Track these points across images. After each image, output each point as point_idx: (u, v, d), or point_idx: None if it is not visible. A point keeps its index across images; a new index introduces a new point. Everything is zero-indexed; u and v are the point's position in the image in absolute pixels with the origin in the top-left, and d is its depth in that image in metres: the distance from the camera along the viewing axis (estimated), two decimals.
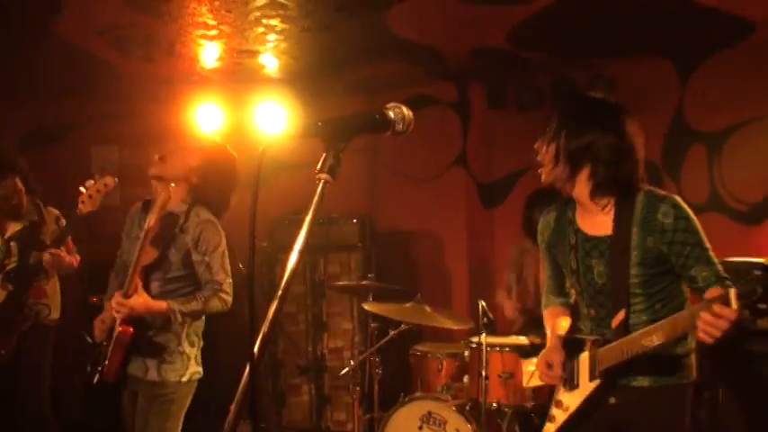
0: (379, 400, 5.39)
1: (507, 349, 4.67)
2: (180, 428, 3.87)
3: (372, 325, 5.47)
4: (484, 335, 4.44)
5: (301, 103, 6.83)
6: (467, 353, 4.86)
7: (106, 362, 3.77)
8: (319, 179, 1.65)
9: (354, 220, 6.80)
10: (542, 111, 6.77)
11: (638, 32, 5.75)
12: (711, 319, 2.49)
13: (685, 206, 2.84)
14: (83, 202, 4.25)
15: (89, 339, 3.96)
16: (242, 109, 7.01)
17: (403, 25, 5.47)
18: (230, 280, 3.85)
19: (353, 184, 7.45)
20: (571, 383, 3.03)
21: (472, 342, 4.73)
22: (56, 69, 6.36)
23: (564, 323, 3.25)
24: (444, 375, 5.07)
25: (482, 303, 4.48)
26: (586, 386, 2.96)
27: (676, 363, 2.92)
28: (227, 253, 3.88)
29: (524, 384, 4.57)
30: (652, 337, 2.71)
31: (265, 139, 1.70)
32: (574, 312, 3.31)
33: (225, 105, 6.99)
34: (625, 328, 2.87)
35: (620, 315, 2.89)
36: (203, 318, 3.94)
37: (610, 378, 2.91)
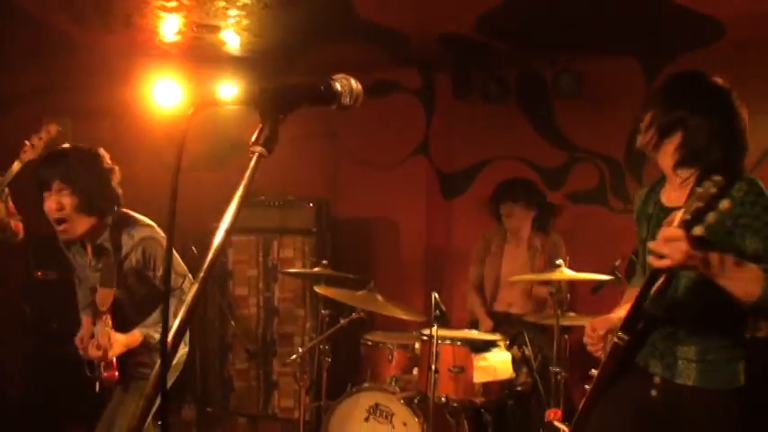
0: (328, 389, 5.28)
1: (459, 343, 4.58)
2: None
3: (323, 312, 5.35)
4: (435, 327, 4.33)
5: (262, 82, 6.68)
6: (417, 345, 4.76)
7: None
8: (253, 152, 1.50)
9: (311, 204, 6.67)
10: (507, 103, 6.71)
11: (607, 29, 5.69)
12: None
13: (762, 185, 2.72)
14: (25, 151, 4.22)
15: (30, 315, 3.93)
16: (201, 86, 6.85)
17: (369, 6, 5.35)
18: (189, 277, 3.77)
19: (312, 168, 7.33)
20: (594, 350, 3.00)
21: (423, 334, 4.63)
22: (10, 38, 6.16)
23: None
24: (395, 366, 4.96)
25: (435, 295, 4.38)
26: (605, 349, 2.92)
27: (728, 359, 2.80)
28: (176, 255, 3.87)
29: (474, 380, 4.49)
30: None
31: (199, 105, 1.52)
32: None
33: (184, 81, 6.83)
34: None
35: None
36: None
37: (658, 343, 2.84)
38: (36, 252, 6.45)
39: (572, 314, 4.88)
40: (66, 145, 3.75)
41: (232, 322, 6.69)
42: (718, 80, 2.92)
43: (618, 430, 2.95)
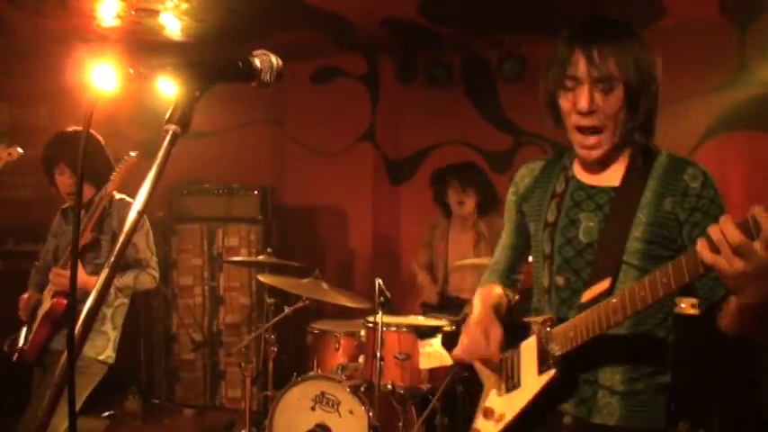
0: (274, 379, 5.22)
1: (404, 329, 4.53)
2: (81, 404, 3.90)
3: (269, 300, 5.27)
4: (380, 314, 4.28)
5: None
6: (363, 332, 4.71)
7: (30, 338, 3.87)
8: (167, 131, 1.41)
9: (255, 192, 6.59)
10: (452, 87, 6.68)
11: (548, 11, 5.67)
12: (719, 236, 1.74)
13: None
14: None
15: (6, 348, 4.01)
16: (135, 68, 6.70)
17: None
18: (156, 258, 4.07)
19: (257, 155, 7.25)
20: (508, 383, 2.32)
21: (368, 321, 4.57)
22: None
23: (496, 291, 2.59)
24: (342, 354, 4.91)
25: (379, 281, 4.32)
26: (534, 382, 2.22)
27: (653, 394, 2.24)
28: (150, 232, 4.08)
29: (420, 366, 4.45)
30: (634, 294, 1.96)
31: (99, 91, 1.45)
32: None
33: (120, 65, 6.67)
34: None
35: (603, 285, 2.18)
36: (126, 304, 4.12)
37: (568, 372, 2.19)
38: None
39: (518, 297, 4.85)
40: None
41: (176, 312, 6.59)
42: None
43: None
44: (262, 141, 7.26)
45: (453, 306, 5.51)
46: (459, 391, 4.80)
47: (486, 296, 2.55)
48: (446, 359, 4.57)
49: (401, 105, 7.05)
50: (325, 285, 4.82)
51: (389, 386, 4.45)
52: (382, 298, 4.26)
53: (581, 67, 2.16)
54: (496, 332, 2.34)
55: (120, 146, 7.34)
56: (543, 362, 2.21)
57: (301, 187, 7.21)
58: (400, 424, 4.49)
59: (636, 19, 5.54)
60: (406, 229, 7.03)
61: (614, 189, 2.28)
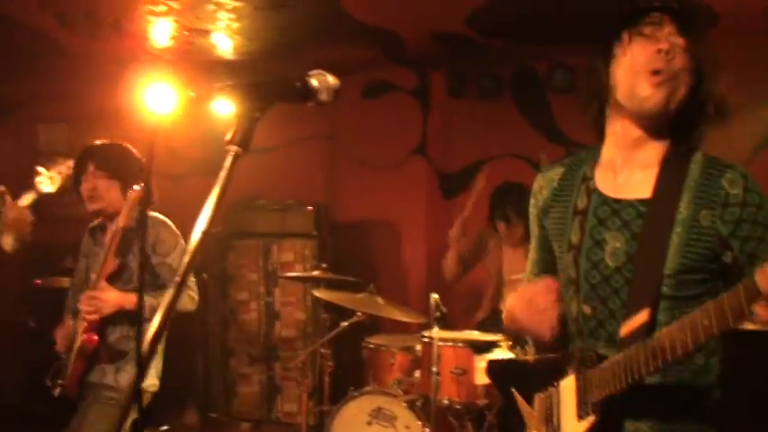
0: (330, 393, 5.24)
1: (460, 345, 4.52)
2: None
3: (324, 316, 5.32)
4: (436, 329, 4.28)
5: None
6: (419, 347, 4.70)
7: (68, 373, 3.75)
8: (228, 151, 1.44)
9: (310, 208, 6.64)
10: (502, 100, 6.67)
11: (596, 21, 5.62)
12: None
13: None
14: (41, 181, 4.06)
15: (32, 324, 3.93)
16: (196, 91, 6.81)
17: (360, 7, 5.31)
18: (194, 278, 3.90)
19: (310, 171, 7.30)
20: (548, 426, 2.14)
21: (424, 336, 4.57)
22: (2, 46, 6.12)
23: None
24: (397, 369, 4.90)
25: (434, 296, 4.32)
26: (574, 428, 2.05)
27: (702, 404, 2.05)
28: (187, 250, 3.76)
29: (477, 381, 4.43)
30: (674, 339, 1.78)
31: (163, 113, 1.49)
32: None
33: (178, 87, 6.78)
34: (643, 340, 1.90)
35: (641, 317, 1.96)
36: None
37: (609, 417, 1.99)
38: (36, 262, 6.42)
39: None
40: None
41: (233, 327, 6.67)
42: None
43: None
44: (314, 157, 7.31)
45: None
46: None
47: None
48: None
49: (452, 118, 7.04)
50: (380, 300, 4.83)
51: (446, 401, 4.43)
52: (438, 313, 4.26)
53: (663, 20, 2.05)
54: (552, 296, 2.15)
55: (176, 165, 7.51)
56: (582, 407, 2.03)
57: (354, 202, 7.24)
58: None
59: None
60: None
61: (644, 202, 2.05)
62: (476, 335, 4.84)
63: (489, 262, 5.75)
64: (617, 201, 2.09)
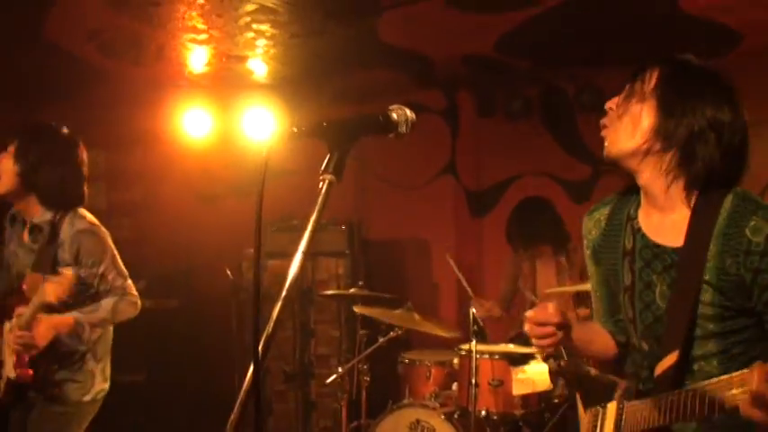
0: (367, 408, 5.36)
1: (497, 357, 4.66)
2: None
3: (361, 332, 5.44)
4: (474, 342, 4.42)
5: (289, 109, 6.81)
6: (456, 360, 4.84)
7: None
8: (323, 179, 1.63)
9: (343, 227, 6.78)
10: (530, 120, 6.80)
11: (625, 42, 5.77)
12: None
13: None
14: None
15: None
16: (230, 114, 6.99)
17: (392, 32, 5.49)
18: (130, 281, 3.62)
19: (342, 191, 7.30)
20: None
21: (462, 349, 4.71)
22: (43, 73, 6.33)
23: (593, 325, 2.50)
24: (432, 383, 5.03)
25: (473, 311, 4.47)
26: None
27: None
28: (116, 255, 3.60)
29: (514, 392, 4.56)
30: (711, 395, 1.84)
31: (263, 143, 1.65)
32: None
33: (213, 110, 6.98)
34: (674, 379, 2.05)
35: (671, 358, 2.07)
36: (111, 330, 3.74)
37: None
38: None
39: None
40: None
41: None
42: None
43: None
44: (346, 177, 7.41)
45: None
46: (547, 418, 4.89)
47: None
48: (539, 385, 4.68)
49: (481, 138, 7.19)
50: (416, 316, 4.96)
51: (483, 412, 4.56)
52: (476, 327, 4.39)
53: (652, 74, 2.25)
54: (556, 316, 2.20)
55: (210, 186, 7.69)
56: None
57: (385, 221, 7.38)
58: None
59: (712, 48, 5.64)
60: (488, 259, 7.13)
61: (676, 251, 2.12)
62: (512, 347, 4.97)
63: (522, 282, 5.89)
64: (656, 245, 2.18)
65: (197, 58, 5.98)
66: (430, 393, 4.94)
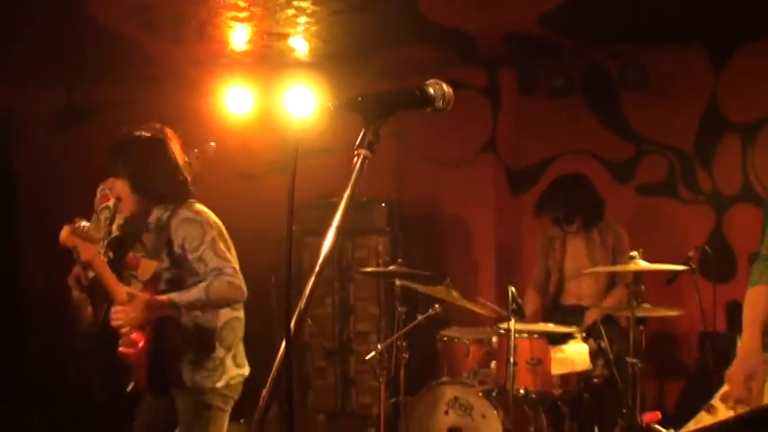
0: (406, 385, 5.39)
1: (536, 336, 4.65)
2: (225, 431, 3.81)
3: (400, 309, 5.45)
4: (513, 321, 4.41)
5: (330, 86, 6.80)
6: (495, 339, 4.84)
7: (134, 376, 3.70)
8: (358, 155, 1.63)
9: (383, 205, 6.79)
10: (573, 97, 6.74)
11: (670, 18, 5.69)
12: None
13: None
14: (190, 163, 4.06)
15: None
16: (271, 92, 7.01)
17: (434, 8, 5.45)
18: (232, 264, 3.69)
19: (381, 168, 7.41)
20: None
21: (501, 328, 4.71)
22: (87, 50, 6.37)
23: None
24: (471, 361, 5.05)
25: (512, 289, 4.45)
26: None
27: None
28: (217, 239, 3.71)
29: (552, 371, 4.55)
30: None
31: (298, 120, 1.67)
32: None
33: (254, 88, 7.00)
34: None
35: None
36: (241, 319, 3.88)
37: None
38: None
39: (647, 305, 4.90)
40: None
41: (309, 321, 6.83)
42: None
43: None
44: (386, 154, 7.43)
45: (575, 313, 5.58)
46: (585, 398, 4.88)
47: (755, 311, 2.57)
48: (578, 365, 4.67)
49: (522, 116, 7.14)
50: (455, 293, 4.97)
51: (521, 391, 4.57)
52: (515, 305, 4.38)
53: None
54: (760, 379, 2.38)
55: (252, 165, 7.73)
56: None
57: (425, 199, 7.38)
58: (531, 429, 4.59)
59: (762, 24, 5.51)
60: (528, 238, 7.09)
61: None
62: (551, 326, 4.96)
63: (551, 260, 5.87)
64: None
65: (238, 35, 5.99)
66: (468, 371, 4.96)
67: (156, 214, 3.76)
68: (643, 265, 4.67)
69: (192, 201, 3.80)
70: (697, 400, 2.92)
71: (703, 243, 5.83)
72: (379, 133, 1.62)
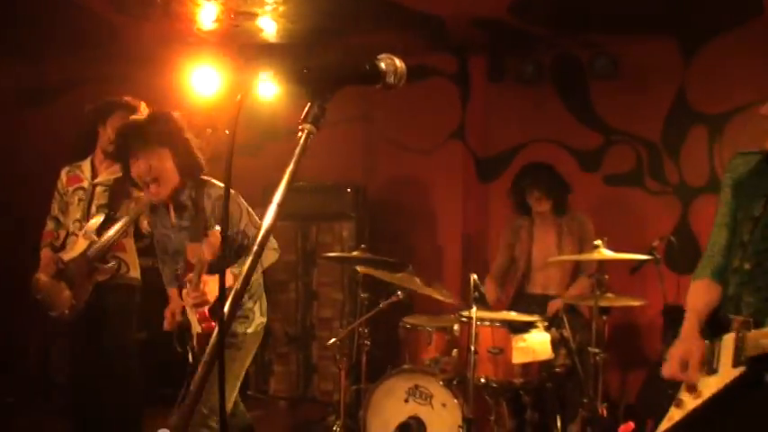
0: (367, 372, 5.33)
1: (498, 324, 4.61)
2: (243, 372, 4.10)
3: (362, 296, 5.40)
4: (474, 309, 4.35)
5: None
6: (456, 327, 4.79)
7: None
8: (302, 129, 1.55)
9: (348, 190, 6.73)
10: (542, 86, 6.71)
11: (641, 9, 5.67)
12: None
13: None
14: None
15: (179, 348, 3.99)
16: (240, 72, 6.91)
17: None
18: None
19: (348, 153, 7.38)
20: (709, 367, 2.70)
21: (462, 316, 4.66)
22: (53, 26, 6.26)
23: (707, 293, 2.87)
24: (433, 349, 4.99)
25: (474, 277, 4.39)
26: (728, 373, 2.63)
27: None
28: (249, 210, 3.94)
29: (513, 360, 4.51)
30: None
31: (248, 89, 1.58)
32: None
33: (222, 69, 6.89)
34: None
35: None
36: (261, 273, 4.07)
37: (758, 367, 2.56)
38: None
39: (610, 295, 4.89)
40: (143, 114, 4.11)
41: (271, 308, 6.76)
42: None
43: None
44: (353, 139, 7.39)
45: (541, 303, 5.55)
46: (548, 388, 4.85)
47: (696, 301, 2.87)
48: (539, 354, 4.63)
49: (491, 104, 7.10)
50: (418, 281, 4.91)
51: (482, 380, 4.52)
52: (477, 293, 4.33)
53: None
54: (697, 356, 2.70)
55: (216, 146, 7.62)
56: (737, 358, 2.60)
57: (391, 185, 7.33)
58: (492, 418, 4.55)
59: (733, 16, 5.51)
60: (494, 226, 7.07)
61: None
62: (513, 315, 4.92)
63: (518, 248, 5.84)
64: None
65: (205, 14, 5.90)
66: (430, 359, 4.90)
67: (185, 195, 3.87)
68: (607, 254, 4.65)
69: (209, 178, 3.94)
70: (659, 390, 2.96)
71: (669, 234, 5.83)
72: (325, 107, 1.54)
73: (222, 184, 3.81)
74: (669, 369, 2.78)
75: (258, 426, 6.41)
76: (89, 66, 7.13)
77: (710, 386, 2.67)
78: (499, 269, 5.92)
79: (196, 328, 3.83)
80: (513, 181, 5.87)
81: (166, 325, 3.98)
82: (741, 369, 2.58)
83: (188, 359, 3.93)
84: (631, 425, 4.58)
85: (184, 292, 3.80)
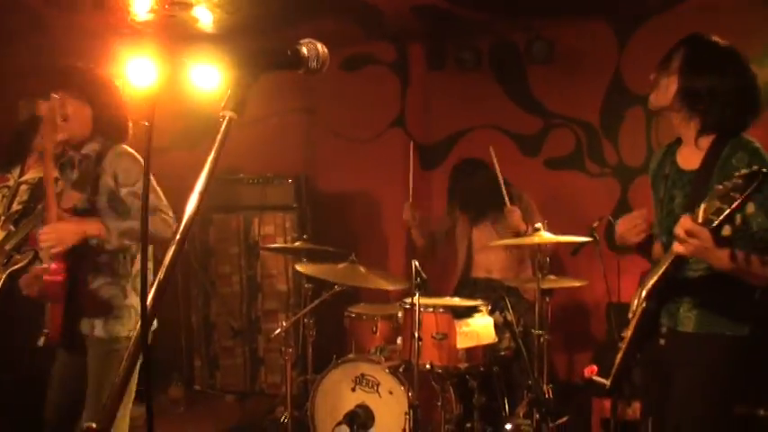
0: (313, 363, 5.32)
1: (441, 310, 4.61)
2: (135, 384, 3.60)
3: (306, 286, 5.38)
4: (417, 295, 4.36)
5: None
6: (400, 314, 4.79)
7: (47, 320, 3.59)
8: (223, 116, 1.52)
9: (290, 180, 6.69)
10: (481, 72, 6.73)
11: None
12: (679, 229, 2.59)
13: (765, 155, 2.83)
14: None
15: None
16: (176, 64, 6.80)
17: None
18: (166, 202, 3.66)
19: (290, 143, 7.34)
20: (629, 315, 3.02)
21: (406, 303, 4.66)
22: None
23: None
24: (379, 337, 5.00)
25: (415, 263, 4.39)
26: (635, 313, 2.96)
27: (729, 309, 2.89)
28: (154, 181, 3.66)
29: (458, 345, 4.53)
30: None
31: (169, 80, 1.55)
32: None
33: (158, 60, 6.78)
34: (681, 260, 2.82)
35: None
36: (152, 270, 3.71)
37: (654, 304, 2.91)
38: None
39: (552, 277, 4.92)
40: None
41: (215, 301, 6.72)
42: (730, 44, 3.00)
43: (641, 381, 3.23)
44: (294, 130, 7.35)
45: (485, 287, 5.57)
46: (495, 371, 4.88)
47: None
48: (483, 338, 4.65)
49: (431, 91, 7.11)
50: (362, 269, 4.91)
51: (428, 366, 4.53)
52: (419, 279, 4.33)
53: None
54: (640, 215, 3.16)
55: (158, 139, 7.49)
56: (639, 297, 2.95)
57: (334, 174, 7.30)
58: (439, 403, 4.56)
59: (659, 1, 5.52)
60: (437, 212, 7.07)
61: (693, 172, 2.97)
62: (456, 300, 4.94)
63: (458, 235, 5.87)
64: (683, 170, 3.05)
65: (139, 4, 5.79)
66: (376, 347, 4.91)
67: (91, 147, 3.67)
68: (547, 236, 4.68)
69: (124, 144, 3.73)
70: (606, 370, 3.05)
71: (608, 214, 5.89)
72: (247, 93, 1.52)
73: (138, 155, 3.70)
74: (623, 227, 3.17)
75: (206, 421, 6.42)
76: (20, 59, 6.96)
77: (628, 331, 2.98)
78: (428, 241, 5.98)
79: (44, 278, 3.50)
80: (449, 176, 5.92)
81: (24, 286, 3.66)
82: (642, 306, 2.92)
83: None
84: (594, 368, 4.62)
85: (40, 230, 3.47)
